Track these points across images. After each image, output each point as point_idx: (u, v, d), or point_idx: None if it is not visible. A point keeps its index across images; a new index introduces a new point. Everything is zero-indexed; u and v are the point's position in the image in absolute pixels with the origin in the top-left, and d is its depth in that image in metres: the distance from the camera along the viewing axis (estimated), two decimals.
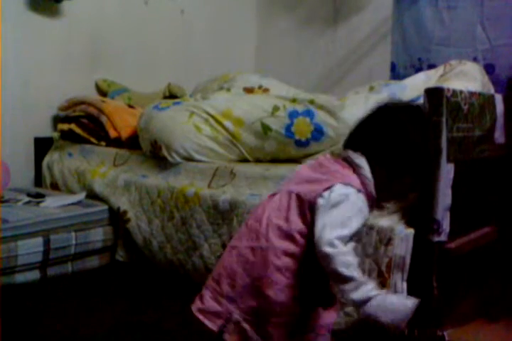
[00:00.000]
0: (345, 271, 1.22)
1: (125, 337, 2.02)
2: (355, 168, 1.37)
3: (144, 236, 2.52)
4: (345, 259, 1.23)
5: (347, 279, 1.23)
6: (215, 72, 3.43)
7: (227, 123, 2.49)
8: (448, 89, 1.73)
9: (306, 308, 1.39)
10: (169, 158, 2.52)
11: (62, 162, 3.01)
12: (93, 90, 3.39)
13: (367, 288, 1.23)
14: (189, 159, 2.50)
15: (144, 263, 2.57)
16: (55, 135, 3.10)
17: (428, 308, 1.72)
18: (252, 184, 2.26)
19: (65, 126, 3.05)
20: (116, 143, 2.92)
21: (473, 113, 1.87)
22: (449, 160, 1.72)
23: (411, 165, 1.38)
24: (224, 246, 2.17)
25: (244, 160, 2.53)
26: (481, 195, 2.01)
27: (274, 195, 1.45)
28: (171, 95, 3.37)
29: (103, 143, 2.96)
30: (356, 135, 1.46)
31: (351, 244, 1.27)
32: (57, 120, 3.17)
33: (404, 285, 1.76)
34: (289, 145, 2.46)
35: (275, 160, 2.51)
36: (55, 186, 3.01)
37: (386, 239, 1.79)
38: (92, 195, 2.75)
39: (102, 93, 3.38)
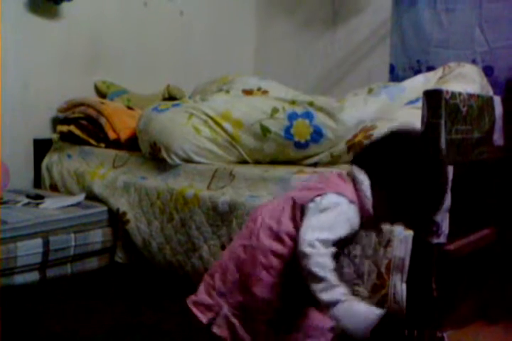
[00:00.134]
0: (319, 272, 1.25)
1: (124, 338, 2.03)
2: (355, 183, 1.39)
3: (144, 238, 2.52)
4: (322, 260, 1.26)
5: (320, 279, 1.25)
6: (214, 73, 3.43)
7: (227, 125, 2.49)
8: (447, 92, 1.74)
9: (293, 308, 1.42)
10: (168, 160, 2.52)
11: (61, 163, 3.01)
12: (92, 92, 3.39)
13: (338, 292, 1.25)
14: (188, 161, 2.50)
15: (143, 265, 2.57)
16: (55, 136, 3.10)
17: (427, 310, 1.72)
18: (251, 185, 2.26)
19: (64, 128, 3.05)
20: (116, 144, 2.92)
21: (472, 115, 1.87)
22: (447, 162, 1.72)
23: (413, 194, 1.38)
24: (223, 247, 2.18)
25: (244, 162, 2.53)
26: (480, 196, 2.01)
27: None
28: (170, 97, 3.37)
29: (102, 145, 2.96)
30: (365, 154, 1.47)
31: (332, 249, 1.29)
32: (56, 122, 3.17)
33: (404, 286, 1.76)
34: (288, 147, 2.46)
35: (274, 162, 2.52)
36: (54, 187, 3.01)
37: (385, 240, 1.80)
38: (92, 197, 2.75)
39: (101, 95, 3.38)
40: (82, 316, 2.17)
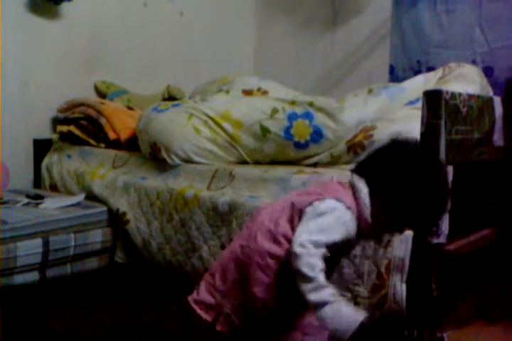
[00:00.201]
0: (308, 272, 1.26)
1: (124, 338, 2.02)
2: (354, 191, 1.41)
3: (143, 238, 2.52)
4: (312, 260, 1.27)
5: (309, 279, 1.26)
6: (214, 74, 3.44)
7: (227, 126, 2.49)
8: (447, 92, 1.74)
9: (290, 307, 1.43)
10: (168, 160, 2.52)
11: (61, 163, 3.01)
12: (92, 92, 3.39)
13: (326, 292, 1.26)
14: (188, 161, 2.50)
15: (143, 265, 2.57)
16: (55, 137, 3.10)
17: (427, 310, 1.72)
18: (251, 186, 2.26)
19: (64, 128, 3.05)
20: (116, 144, 2.92)
21: (471, 115, 1.87)
22: (447, 163, 1.72)
23: (413, 203, 1.38)
24: (223, 247, 2.18)
25: (244, 162, 2.54)
26: (480, 197, 2.01)
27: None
28: (170, 97, 3.38)
29: (102, 145, 2.96)
30: (365, 163, 1.47)
31: (323, 250, 1.29)
32: (56, 122, 3.17)
33: (404, 286, 1.76)
34: (288, 148, 2.46)
35: (274, 162, 2.52)
36: (54, 187, 3.01)
37: (385, 240, 1.80)
38: (91, 197, 2.75)
39: (101, 95, 3.38)
40: (82, 316, 2.17)
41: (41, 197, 2.69)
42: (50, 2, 3.04)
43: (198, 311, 1.45)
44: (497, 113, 2.07)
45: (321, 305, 1.25)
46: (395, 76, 3.23)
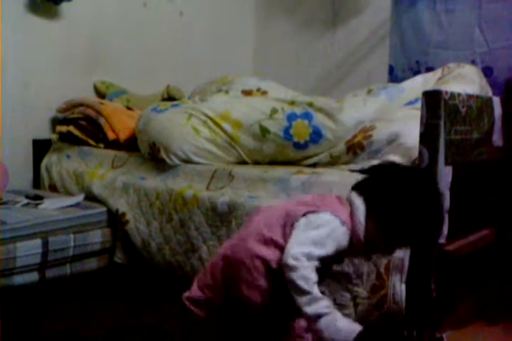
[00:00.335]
0: (303, 285, 1.28)
1: (124, 338, 2.02)
2: (351, 208, 1.42)
3: (143, 238, 2.52)
4: (306, 273, 1.29)
5: (304, 292, 1.28)
6: (213, 74, 3.43)
7: (226, 126, 2.49)
8: (446, 92, 1.74)
9: (283, 311, 1.43)
10: (168, 160, 2.52)
11: (60, 164, 3.01)
12: (91, 92, 3.39)
13: (321, 305, 1.28)
14: (187, 161, 2.50)
15: (143, 265, 2.57)
16: (54, 137, 3.10)
17: (427, 310, 1.72)
18: (250, 186, 2.26)
19: (63, 128, 3.05)
20: (115, 145, 2.91)
21: (471, 116, 1.88)
22: (446, 163, 1.72)
23: (410, 225, 1.40)
24: None
25: (243, 163, 2.54)
26: (480, 197, 2.01)
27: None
28: (170, 97, 3.37)
29: (101, 145, 2.96)
30: (365, 183, 1.48)
31: (315, 263, 1.31)
32: (55, 122, 3.17)
33: (403, 287, 1.76)
34: (287, 148, 2.46)
35: (273, 163, 2.52)
36: (53, 188, 3.00)
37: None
38: (91, 197, 2.75)
39: (101, 95, 3.38)
40: (81, 316, 2.17)
41: (40, 198, 2.69)
42: (50, 2, 3.04)
43: (190, 307, 1.47)
44: (496, 113, 2.07)
45: (317, 317, 1.27)
46: (395, 76, 3.23)
